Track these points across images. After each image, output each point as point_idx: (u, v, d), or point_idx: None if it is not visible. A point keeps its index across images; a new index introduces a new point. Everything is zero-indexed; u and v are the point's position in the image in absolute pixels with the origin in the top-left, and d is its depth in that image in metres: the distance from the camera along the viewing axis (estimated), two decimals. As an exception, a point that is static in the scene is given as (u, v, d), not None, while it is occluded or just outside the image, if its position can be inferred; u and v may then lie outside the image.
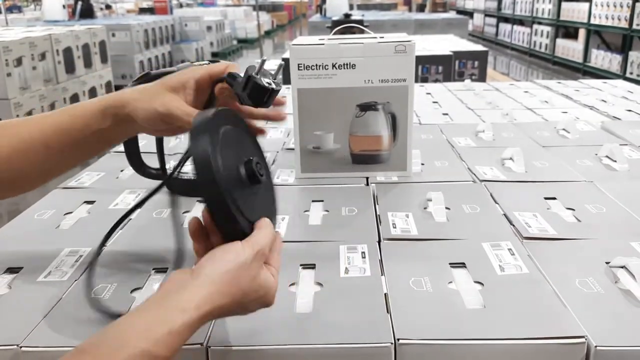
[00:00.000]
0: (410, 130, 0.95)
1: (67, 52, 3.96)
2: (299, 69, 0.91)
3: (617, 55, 5.73)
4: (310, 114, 0.94)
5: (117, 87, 4.85)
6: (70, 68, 4.00)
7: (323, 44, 0.91)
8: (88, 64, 4.28)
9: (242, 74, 0.62)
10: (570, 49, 6.85)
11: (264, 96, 0.61)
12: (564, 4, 7.02)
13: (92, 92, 4.34)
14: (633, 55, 5.40)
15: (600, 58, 6.08)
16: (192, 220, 0.52)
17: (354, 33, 1.23)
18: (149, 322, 0.44)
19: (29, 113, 3.48)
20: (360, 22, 3.26)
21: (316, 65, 0.91)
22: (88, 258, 0.72)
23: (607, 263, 0.67)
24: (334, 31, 1.06)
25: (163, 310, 0.44)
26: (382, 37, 0.94)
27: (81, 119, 0.61)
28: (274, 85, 0.62)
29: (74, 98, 4.05)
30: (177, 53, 6.89)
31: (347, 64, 0.91)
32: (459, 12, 11.74)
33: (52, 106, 3.74)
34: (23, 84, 3.44)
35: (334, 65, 0.91)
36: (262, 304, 0.51)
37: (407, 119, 0.94)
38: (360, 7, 9.60)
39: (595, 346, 0.53)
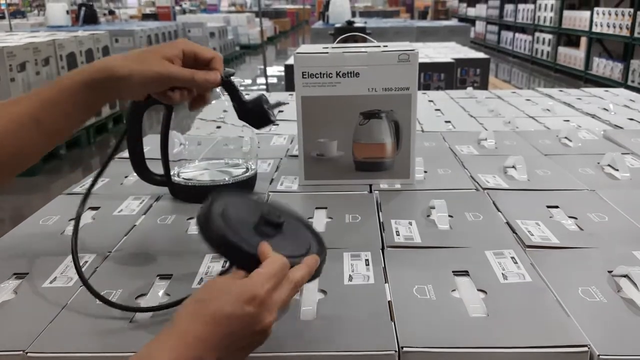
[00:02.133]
0: (414, 138, 0.95)
1: (71, 57, 3.98)
2: (303, 77, 0.92)
3: (619, 64, 5.74)
4: (314, 121, 0.95)
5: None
6: (73, 73, 4.01)
7: (327, 53, 0.92)
8: (91, 69, 4.30)
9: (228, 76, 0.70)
10: (572, 57, 6.86)
11: (262, 121, 0.74)
12: (565, 12, 7.05)
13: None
14: (635, 63, 5.41)
15: (602, 66, 6.09)
16: None
17: (356, 40, 1.24)
18: None
19: (32, 118, 3.49)
20: (363, 29, 3.27)
21: (320, 73, 0.92)
22: (94, 264, 0.72)
23: (610, 272, 0.67)
24: (337, 39, 1.07)
25: None
26: (386, 46, 0.94)
27: (68, 91, 0.62)
28: (272, 117, 0.74)
29: (77, 103, 4.06)
30: (180, 59, 6.91)
31: (350, 73, 0.91)
32: (461, 19, 11.78)
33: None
34: (27, 89, 3.45)
35: (337, 74, 0.92)
36: (269, 312, 0.49)
37: (410, 127, 0.94)
38: (362, 14, 9.63)
39: (598, 355, 0.53)
